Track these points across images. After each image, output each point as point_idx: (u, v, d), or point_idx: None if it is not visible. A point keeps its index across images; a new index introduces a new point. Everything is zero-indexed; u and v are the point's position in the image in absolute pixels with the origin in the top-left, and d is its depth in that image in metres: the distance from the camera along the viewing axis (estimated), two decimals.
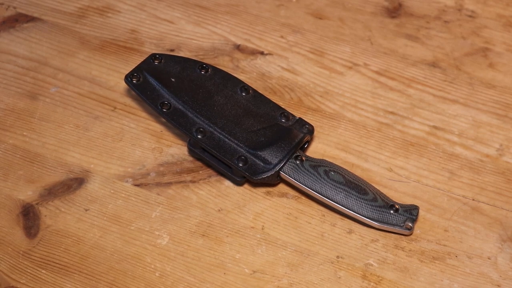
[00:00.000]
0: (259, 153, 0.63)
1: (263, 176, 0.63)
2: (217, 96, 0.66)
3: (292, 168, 0.63)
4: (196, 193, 0.65)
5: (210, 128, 0.64)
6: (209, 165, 0.66)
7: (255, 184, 0.65)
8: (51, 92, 0.73)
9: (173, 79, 0.67)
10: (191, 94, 0.66)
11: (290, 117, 0.66)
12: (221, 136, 0.64)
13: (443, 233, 0.62)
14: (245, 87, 0.68)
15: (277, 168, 0.63)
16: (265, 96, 0.68)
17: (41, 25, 0.79)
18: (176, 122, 0.65)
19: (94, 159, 0.67)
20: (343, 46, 0.77)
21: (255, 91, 0.68)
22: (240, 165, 0.63)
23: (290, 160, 0.63)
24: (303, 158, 0.64)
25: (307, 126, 0.66)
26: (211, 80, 0.67)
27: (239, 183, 0.65)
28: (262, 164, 0.63)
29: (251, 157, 0.63)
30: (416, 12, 0.80)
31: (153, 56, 0.68)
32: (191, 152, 0.66)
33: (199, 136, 0.64)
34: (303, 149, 0.66)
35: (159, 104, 0.65)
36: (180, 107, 0.65)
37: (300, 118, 0.67)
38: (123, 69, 0.74)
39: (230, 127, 0.65)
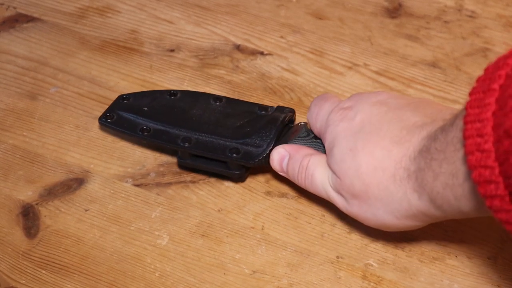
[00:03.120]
0: (248, 140, 0.64)
1: (260, 158, 0.63)
2: (192, 110, 0.67)
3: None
4: (196, 193, 0.65)
5: (195, 135, 0.65)
6: (204, 171, 0.66)
7: (255, 174, 0.65)
8: (51, 92, 0.73)
9: (145, 108, 0.67)
10: (167, 115, 0.67)
11: (269, 108, 0.67)
12: (207, 139, 0.65)
13: (443, 233, 0.62)
14: (217, 97, 0.68)
15: (270, 148, 0.63)
16: (239, 99, 0.69)
17: (41, 25, 0.79)
18: (159, 139, 0.65)
19: (94, 159, 0.67)
20: (343, 46, 0.77)
21: (227, 97, 0.68)
22: (234, 156, 0.63)
23: (279, 138, 0.64)
24: None
25: (287, 109, 0.67)
26: (182, 101, 0.68)
27: (238, 178, 0.65)
28: (254, 149, 0.64)
29: (242, 146, 0.64)
30: (416, 12, 0.80)
31: (121, 98, 0.69)
32: (183, 164, 0.66)
33: (186, 145, 0.64)
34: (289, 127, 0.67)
35: (139, 130, 0.66)
36: (159, 127, 0.66)
37: (278, 106, 0.67)
38: (123, 69, 0.74)
39: (214, 128, 0.65)
